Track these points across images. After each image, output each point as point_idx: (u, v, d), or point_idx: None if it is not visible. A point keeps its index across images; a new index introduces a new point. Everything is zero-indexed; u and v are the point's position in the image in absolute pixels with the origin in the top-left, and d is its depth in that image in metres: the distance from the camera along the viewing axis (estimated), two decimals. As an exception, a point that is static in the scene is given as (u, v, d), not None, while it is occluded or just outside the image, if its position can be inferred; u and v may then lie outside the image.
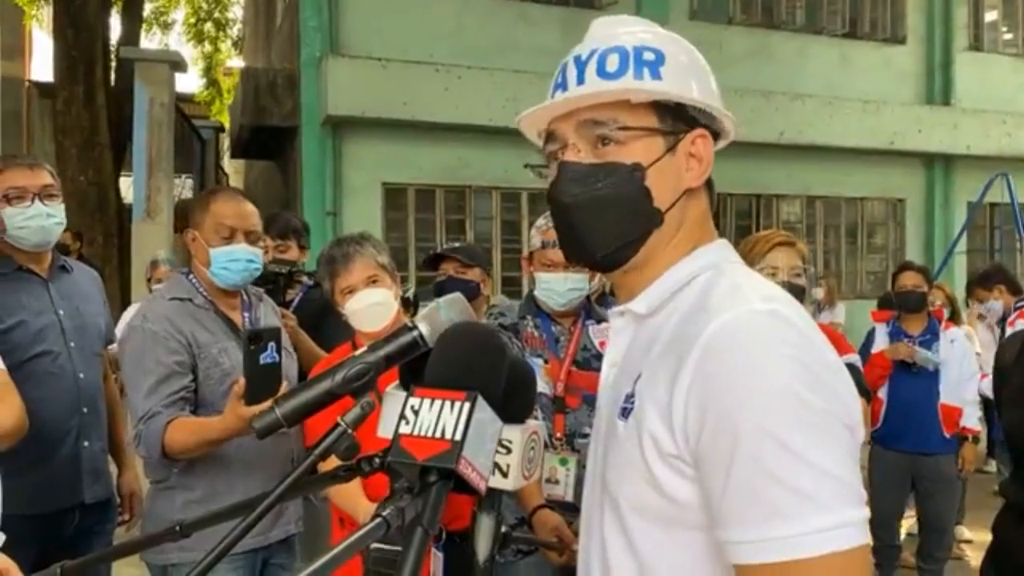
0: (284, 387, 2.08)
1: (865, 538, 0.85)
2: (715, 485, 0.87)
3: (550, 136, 1.09)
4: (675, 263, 1.05)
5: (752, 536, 0.84)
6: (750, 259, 2.78)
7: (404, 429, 0.88)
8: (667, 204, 1.04)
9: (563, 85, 1.07)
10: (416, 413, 0.88)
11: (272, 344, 2.01)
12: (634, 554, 0.97)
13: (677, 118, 1.04)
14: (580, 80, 1.05)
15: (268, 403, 1.99)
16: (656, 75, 1.03)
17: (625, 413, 0.99)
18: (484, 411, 0.88)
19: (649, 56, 1.04)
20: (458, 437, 0.85)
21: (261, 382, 2.00)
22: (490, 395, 0.91)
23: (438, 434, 0.86)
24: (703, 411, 0.88)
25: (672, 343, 0.96)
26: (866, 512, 0.85)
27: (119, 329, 3.16)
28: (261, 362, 1.99)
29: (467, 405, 0.87)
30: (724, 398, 0.87)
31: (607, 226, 1.03)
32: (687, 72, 1.06)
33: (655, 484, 0.93)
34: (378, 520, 0.83)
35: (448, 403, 0.88)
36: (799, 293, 2.63)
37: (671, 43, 1.08)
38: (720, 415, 0.87)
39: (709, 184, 1.10)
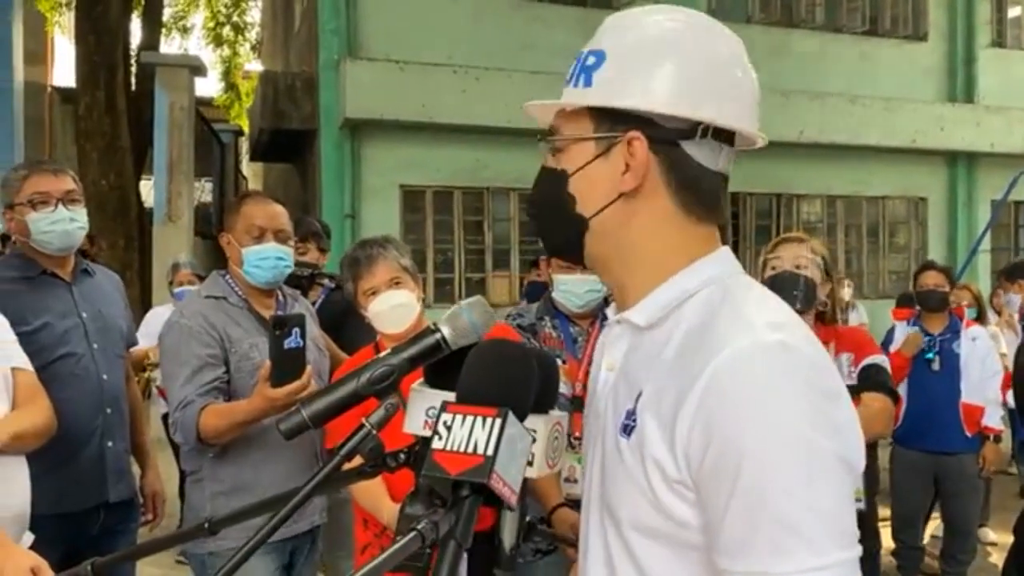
0: (308, 381, 2.16)
1: None
2: (714, 514, 0.89)
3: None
4: (667, 276, 1.01)
5: (746, 568, 0.86)
6: (763, 260, 2.78)
7: (437, 444, 0.90)
8: (594, 209, 1.02)
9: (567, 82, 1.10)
10: (448, 429, 0.90)
11: (296, 330, 2.13)
12: (638, 570, 0.98)
13: (615, 122, 1.00)
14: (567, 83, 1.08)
15: (292, 387, 2.07)
16: (588, 82, 1.02)
17: (627, 431, 0.99)
18: (514, 427, 0.90)
19: (591, 60, 1.02)
20: (490, 452, 0.87)
21: (286, 365, 2.12)
22: (520, 410, 0.93)
23: (470, 449, 0.88)
24: (707, 442, 0.89)
25: (676, 368, 0.95)
26: (857, 551, 0.87)
27: (143, 330, 3.19)
28: (286, 346, 2.11)
29: (498, 421, 0.89)
30: (728, 432, 0.87)
31: (543, 228, 1.10)
32: (631, 71, 1.00)
33: (658, 506, 0.94)
34: (413, 534, 0.85)
35: (480, 419, 0.89)
36: (807, 285, 2.61)
37: (629, 40, 1.02)
38: (724, 449, 0.87)
39: (690, 189, 1.01)
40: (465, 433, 0.89)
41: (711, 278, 1.00)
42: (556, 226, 1.07)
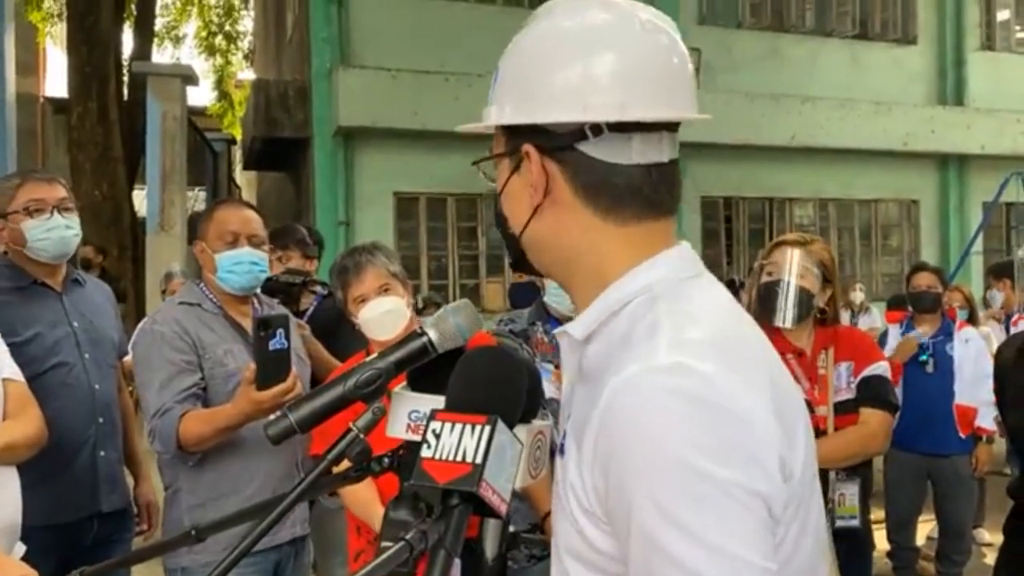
0: (294, 383, 2.13)
1: None
2: (622, 551, 0.85)
3: None
4: (606, 284, 0.94)
5: None
6: (760, 263, 2.74)
7: (426, 453, 0.88)
8: (519, 226, 0.99)
9: None
10: (437, 437, 0.89)
11: (281, 331, 2.08)
12: None
13: (518, 135, 0.96)
14: None
15: (278, 389, 2.04)
16: (492, 99, 1.00)
17: (562, 450, 0.95)
18: (504, 434, 0.89)
19: (494, 76, 1.00)
20: (479, 460, 0.86)
21: (270, 367, 2.08)
22: (510, 418, 0.92)
23: (459, 457, 0.87)
24: (605, 477, 0.84)
25: (589, 390, 0.90)
26: None
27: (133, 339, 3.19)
28: (270, 348, 2.06)
29: (487, 428, 0.88)
30: (618, 468, 0.82)
31: (505, 243, 1.07)
32: (512, 84, 0.97)
33: (580, 532, 0.89)
34: (401, 544, 0.84)
35: (469, 427, 0.88)
36: (802, 295, 2.56)
37: (515, 49, 0.98)
38: (617, 485, 0.83)
39: (609, 192, 0.94)
40: (454, 441, 0.88)
41: (645, 287, 0.93)
42: (507, 243, 1.05)
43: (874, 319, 8.20)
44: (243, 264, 2.41)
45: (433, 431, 0.90)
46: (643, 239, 0.95)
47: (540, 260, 1.02)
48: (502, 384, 0.96)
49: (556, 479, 0.96)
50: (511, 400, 0.96)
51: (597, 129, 0.91)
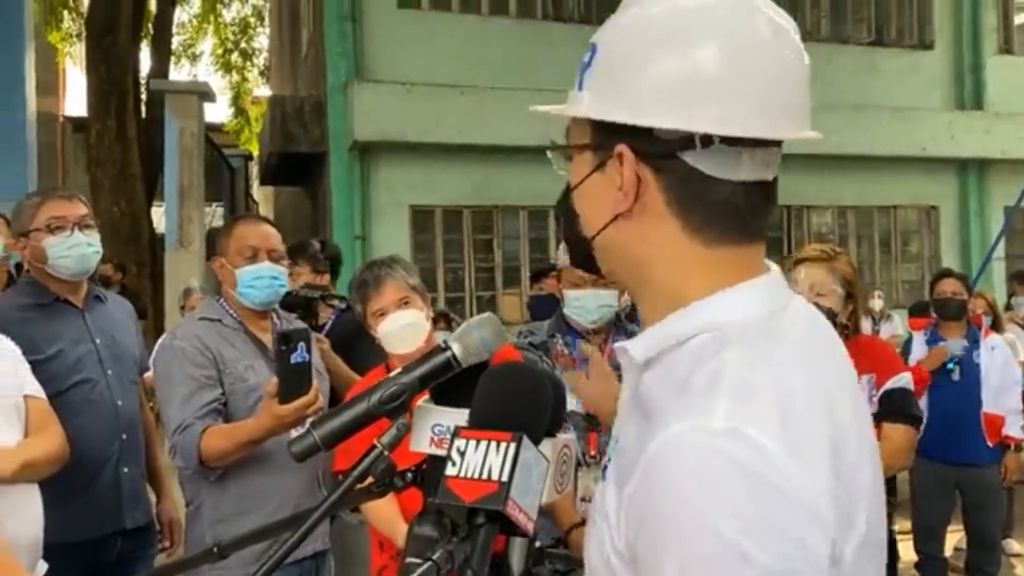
0: (315, 396, 2.13)
1: None
2: None
3: None
4: (676, 306, 0.86)
5: None
6: None
7: (451, 471, 0.87)
8: (594, 230, 0.90)
9: None
10: (462, 454, 0.87)
11: (302, 344, 2.10)
12: None
13: (611, 131, 0.84)
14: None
15: (300, 403, 2.04)
16: (580, 84, 0.88)
17: (604, 473, 0.89)
18: (530, 451, 0.87)
19: (586, 56, 0.88)
20: (505, 478, 0.85)
21: (292, 381, 2.09)
22: (535, 435, 0.91)
23: (485, 475, 0.85)
24: (638, 530, 0.77)
25: (640, 429, 0.82)
26: None
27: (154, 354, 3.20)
28: (292, 361, 2.08)
29: (513, 446, 0.86)
30: (652, 529, 0.76)
31: (565, 240, 1.01)
32: (616, 71, 0.84)
33: (607, 562, 0.83)
34: (428, 564, 0.83)
35: (494, 444, 0.87)
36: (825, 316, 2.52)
37: (624, 27, 0.86)
38: (650, 545, 0.76)
39: (701, 210, 0.84)
40: (479, 459, 0.87)
41: (714, 323, 0.83)
42: (571, 241, 0.97)
43: (895, 326, 8.11)
44: (263, 279, 2.42)
45: (458, 448, 0.88)
46: (729, 263, 0.85)
47: (608, 266, 0.93)
48: (527, 400, 0.94)
49: (591, 496, 0.93)
50: (536, 416, 0.94)
51: (707, 140, 0.81)
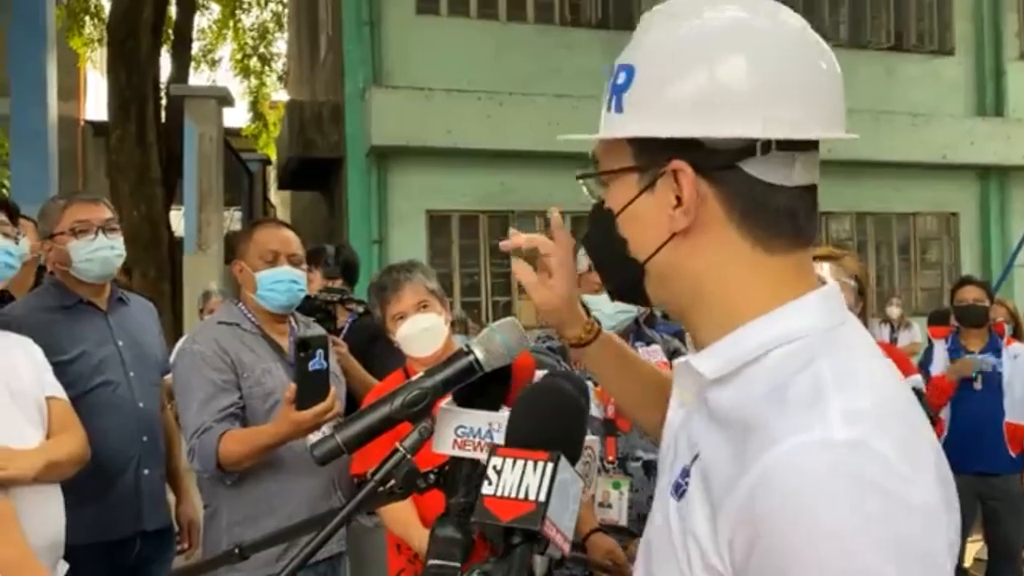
0: (332, 403, 2.14)
1: None
2: None
3: None
4: (741, 321, 0.84)
5: None
6: None
7: (487, 490, 0.86)
8: (647, 253, 0.88)
9: None
10: (499, 473, 0.87)
11: (320, 351, 2.12)
12: None
13: (657, 149, 0.84)
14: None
15: (318, 409, 2.04)
16: (619, 106, 0.87)
17: (679, 491, 0.86)
18: (567, 471, 0.87)
19: (621, 78, 0.87)
20: (542, 498, 0.84)
21: (310, 387, 2.11)
22: (571, 454, 0.90)
23: (522, 495, 0.85)
24: (751, 544, 0.74)
25: (734, 441, 0.79)
26: None
27: (172, 358, 3.22)
28: (310, 368, 2.10)
29: (550, 465, 0.86)
30: (775, 542, 0.73)
31: (602, 270, 0.98)
32: (661, 89, 0.83)
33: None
34: None
35: (531, 463, 0.86)
36: None
37: (663, 44, 0.85)
38: (769, 558, 0.73)
39: (765, 219, 0.84)
40: (516, 478, 0.86)
41: (795, 331, 0.82)
42: (614, 269, 0.94)
43: (914, 334, 8.02)
44: (283, 283, 2.43)
45: (494, 467, 0.88)
46: (790, 273, 0.85)
47: (660, 291, 0.91)
48: (564, 419, 0.94)
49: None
50: (573, 436, 0.94)
51: (767, 146, 0.81)
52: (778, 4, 0.86)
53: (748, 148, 0.81)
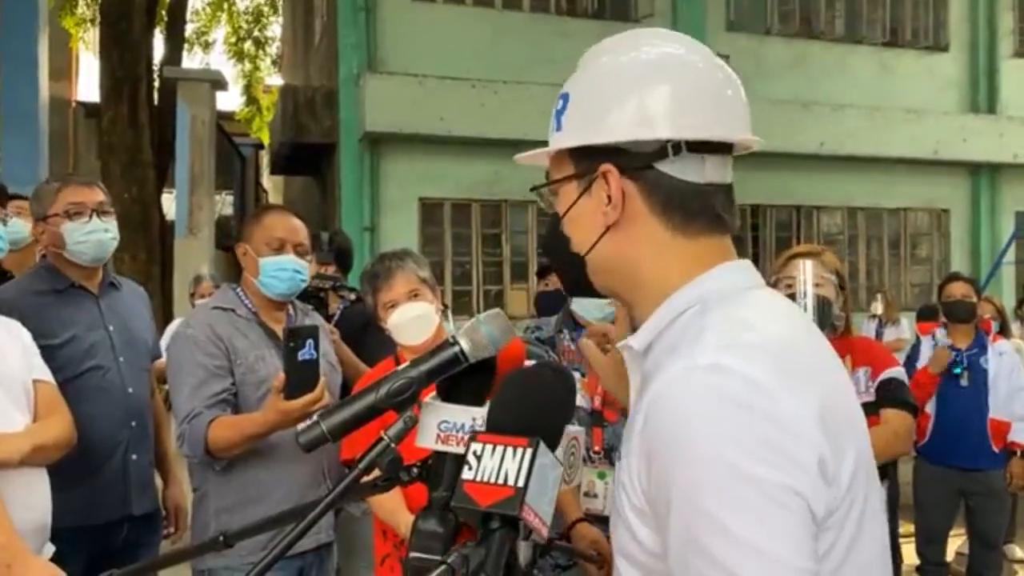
0: (322, 393, 2.14)
1: None
2: (663, 546, 0.86)
3: None
4: (667, 296, 0.99)
5: None
6: (776, 277, 2.73)
7: (467, 475, 0.88)
8: (586, 247, 1.03)
9: None
10: (479, 458, 0.88)
11: (310, 341, 2.11)
12: None
13: (590, 158, 1.01)
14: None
15: (306, 399, 2.05)
16: (558, 126, 1.05)
17: (620, 454, 0.98)
18: (546, 457, 0.88)
19: (559, 104, 1.05)
20: (521, 483, 0.85)
21: (299, 377, 2.10)
22: (551, 440, 0.92)
23: (501, 480, 0.86)
24: (648, 472, 0.87)
25: (642, 392, 0.94)
26: None
27: (162, 343, 3.22)
28: (299, 358, 2.09)
29: (529, 451, 0.87)
30: (660, 463, 0.85)
31: (557, 267, 1.14)
32: (588, 109, 1.01)
33: (632, 532, 0.92)
34: (443, 567, 0.84)
35: (510, 449, 0.88)
36: (822, 304, 2.54)
37: (586, 77, 1.04)
38: (657, 481, 0.85)
39: (682, 207, 0.99)
40: (496, 463, 0.87)
41: (699, 296, 0.97)
42: (563, 267, 1.10)
43: (901, 330, 7.99)
44: (287, 271, 2.43)
45: (474, 453, 0.89)
46: (707, 252, 1.00)
47: (602, 280, 1.05)
48: (544, 406, 0.95)
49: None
50: (553, 422, 0.95)
51: (677, 148, 0.97)
52: (684, 37, 1.05)
53: (662, 151, 0.98)
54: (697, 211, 1.00)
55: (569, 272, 1.08)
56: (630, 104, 0.98)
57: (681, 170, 0.98)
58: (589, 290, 1.08)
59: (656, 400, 0.87)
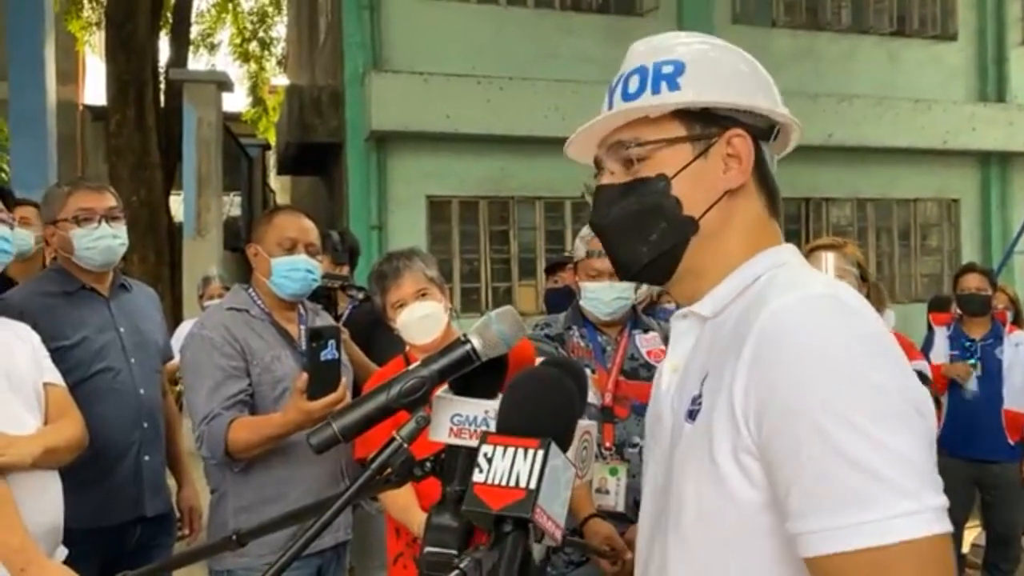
0: (344, 394, 2.15)
1: (947, 527, 0.81)
2: (784, 474, 0.84)
3: (597, 163, 1.13)
4: (737, 266, 1.03)
5: (828, 524, 0.80)
6: None
7: (478, 477, 0.87)
8: (702, 209, 1.03)
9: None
10: (489, 461, 0.87)
11: (332, 342, 2.12)
12: (692, 566, 0.96)
13: (708, 122, 1.04)
14: (609, 106, 1.08)
15: (329, 399, 2.06)
16: (674, 86, 1.04)
17: (692, 415, 0.98)
18: (558, 458, 0.87)
19: (667, 69, 1.04)
20: (533, 486, 0.84)
21: (322, 378, 2.11)
22: (562, 441, 0.90)
23: (512, 482, 0.85)
24: (764, 399, 0.86)
25: (732, 336, 0.95)
26: (944, 500, 0.82)
27: (173, 344, 3.22)
28: (322, 359, 2.10)
29: (541, 453, 0.86)
30: (786, 382, 0.85)
31: (638, 240, 1.06)
32: (714, 75, 1.05)
33: (720, 484, 0.91)
34: (456, 572, 0.83)
35: (521, 451, 0.86)
36: None
37: (698, 49, 1.07)
38: (784, 400, 0.85)
39: (768, 187, 1.07)
40: (507, 465, 0.86)
41: (775, 263, 1.02)
42: (660, 233, 1.05)
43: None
44: (299, 271, 2.44)
45: (485, 455, 0.88)
46: (777, 233, 1.08)
47: (701, 253, 1.05)
48: (555, 406, 0.94)
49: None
50: (564, 423, 0.94)
51: (776, 133, 1.08)
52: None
53: (767, 132, 1.07)
54: (775, 192, 1.08)
55: (660, 242, 1.04)
56: (751, 77, 1.06)
57: (769, 155, 1.08)
58: (667, 268, 1.06)
59: (771, 326, 0.88)
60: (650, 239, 1.05)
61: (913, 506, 0.79)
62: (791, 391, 0.84)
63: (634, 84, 1.05)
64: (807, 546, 0.83)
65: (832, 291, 0.90)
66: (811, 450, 0.82)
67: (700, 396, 0.98)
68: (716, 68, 1.05)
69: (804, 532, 0.83)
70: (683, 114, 1.03)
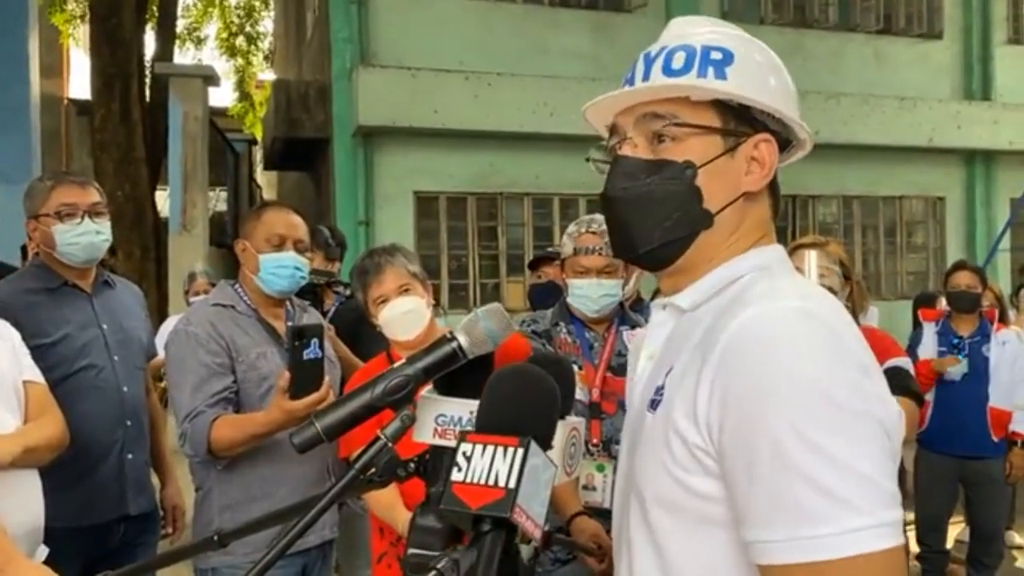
0: (327, 392, 2.13)
1: (898, 540, 0.82)
2: (739, 482, 0.86)
3: (613, 129, 1.09)
4: (726, 262, 1.03)
5: (781, 536, 0.82)
6: None
7: (456, 476, 0.86)
8: (719, 206, 1.02)
9: (630, 80, 1.07)
10: (468, 460, 0.86)
11: (315, 340, 2.10)
12: (659, 553, 0.96)
13: (741, 120, 1.02)
14: (646, 76, 1.04)
15: (311, 399, 2.04)
16: (721, 75, 1.02)
17: (654, 405, 0.99)
18: (538, 457, 0.86)
19: (716, 55, 1.02)
20: (512, 485, 0.83)
21: (304, 377, 2.09)
22: (543, 439, 0.89)
23: (491, 482, 0.84)
24: (726, 406, 0.87)
25: (703, 337, 0.95)
26: (899, 514, 0.83)
27: (157, 340, 3.20)
28: (304, 357, 2.08)
29: (520, 451, 0.85)
30: (747, 393, 0.85)
31: (652, 222, 1.03)
32: (757, 75, 1.04)
33: (679, 477, 0.92)
34: (433, 573, 0.83)
35: (501, 449, 0.85)
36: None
37: (745, 45, 1.05)
38: (744, 410, 0.85)
39: (774, 190, 1.08)
40: (486, 464, 0.85)
41: (758, 265, 1.02)
42: (673, 221, 1.02)
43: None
44: (287, 268, 2.41)
45: (464, 453, 0.86)
46: (771, 232, 1.09)
47: (704, 249, 1.04)
48: (535, 404, 0.92)
49: (647, 435, 0.99)
50: (545, 421, 0.92)
51: (800, 143, 1.10)
52: None
53: (787, 142, 1.08)
54: (779, 200, 1.10)
55: (672, 228, 1.02)
56: (787, 87, 1.06)
57: (783, 160, 1.09)
58: (671, 254, 1.04)
59: (741, 335, 0.88)
60: (665, 224, 1.02)
61: (865, 522, 0.80)
62: (753, 403, 0.84)
63: (679, 61, 1.02)
64: (760, 554, 0.85)
65: (807, 304, 0.90)
66: (768, 465, 0.83)
67: (663, 388, 0.98)
68: (760, 69, 1.04)
69: (757, 541, 0.85)
70: (721, 106, 1.02)
